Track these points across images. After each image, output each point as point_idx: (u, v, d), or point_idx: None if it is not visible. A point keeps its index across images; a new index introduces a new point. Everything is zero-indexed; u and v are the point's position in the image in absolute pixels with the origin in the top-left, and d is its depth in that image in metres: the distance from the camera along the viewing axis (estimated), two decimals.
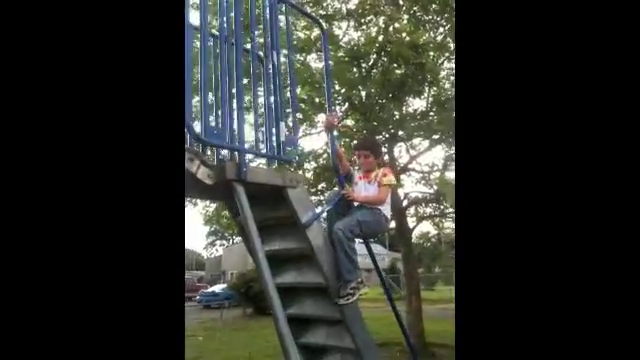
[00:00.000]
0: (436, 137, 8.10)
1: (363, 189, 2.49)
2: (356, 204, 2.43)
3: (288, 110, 2.36)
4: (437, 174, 8.30)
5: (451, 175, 6.70)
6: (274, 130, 2.00)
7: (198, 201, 8.28)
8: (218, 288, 20.34)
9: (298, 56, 6.31)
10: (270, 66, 2.04)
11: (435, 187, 8.08)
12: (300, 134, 7.07)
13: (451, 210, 9.38)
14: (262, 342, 7.61)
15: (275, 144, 2.00)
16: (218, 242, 39.33)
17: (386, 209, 2.48)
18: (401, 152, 9.45)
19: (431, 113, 6.82)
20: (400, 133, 8.62)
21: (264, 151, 2.06)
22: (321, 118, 6.99)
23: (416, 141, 9.20)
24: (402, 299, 9.00)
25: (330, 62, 6.29)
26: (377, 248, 38.69)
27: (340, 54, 6.20)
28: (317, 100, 6.51)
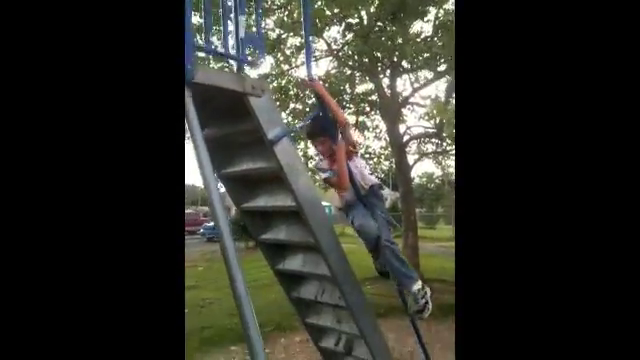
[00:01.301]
0: (441, 69, 7.63)
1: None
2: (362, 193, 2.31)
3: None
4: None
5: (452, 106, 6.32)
6: (232, 25, 1.69)
7: None
8: None
9: None
10: None
11: (437, 118, 7.73)
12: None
13: (452, 147, 9.10)
14: (258, 273, 7.75)
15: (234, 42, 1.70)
16: None
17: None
18: (405, 85, 9.02)
19: (436, 39, 6.30)
20: (404, 64, 8.14)
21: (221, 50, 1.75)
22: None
23: (421, 75, 8.75)
24: (401, 236, 9.01)
25: None
26: None
27: None
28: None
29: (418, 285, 2.28)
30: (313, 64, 8.79)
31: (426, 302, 2.30)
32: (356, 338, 2.50)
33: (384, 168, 12.57)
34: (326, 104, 2.16)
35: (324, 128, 2.25)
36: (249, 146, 2.06)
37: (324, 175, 2.27)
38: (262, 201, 2.24)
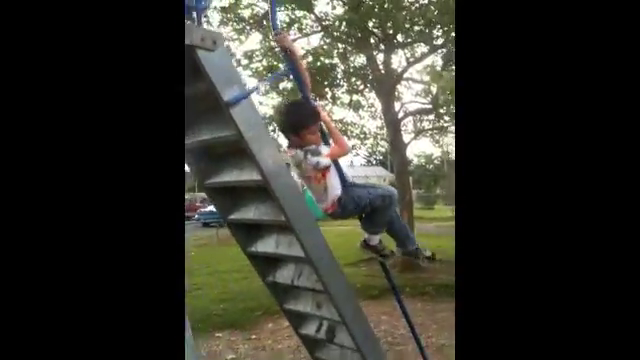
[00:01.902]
0: (438, 43, 7.30)
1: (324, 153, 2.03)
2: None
3: None
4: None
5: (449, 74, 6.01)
6: None
7: None
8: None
9: None
10: None
11: (433, 94, 7.44)
12: None
13: (450, 124, 8.83)
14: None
15: None
16: None
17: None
18: (401, 62, 8.69)
19: (431, 6, 5.94)
20: (399, 38, 7.80)
21: None
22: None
23: (417, 50, 8.41)
24: None
25: None
26: (377, 170, 38.82)
27: None
28: None
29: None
30: (304, 40, 8.45)
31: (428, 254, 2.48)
32: (338, 324, 2.29)
33: (382, 150, 12.31)
34: (293, 60, 1.91)
35: (306, 114, 2.00)
36: (207, 112, 1.80)
37: (325, 152, 2.02)
38: (227, 176, 2.00)
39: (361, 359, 2.27)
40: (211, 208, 21.19)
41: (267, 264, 2.33)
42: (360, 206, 2.20)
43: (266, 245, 2.20)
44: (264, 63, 7.70)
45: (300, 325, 2.54)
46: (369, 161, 46.44)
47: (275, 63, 7.81)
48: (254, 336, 4.45)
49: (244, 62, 7.64)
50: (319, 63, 8.02)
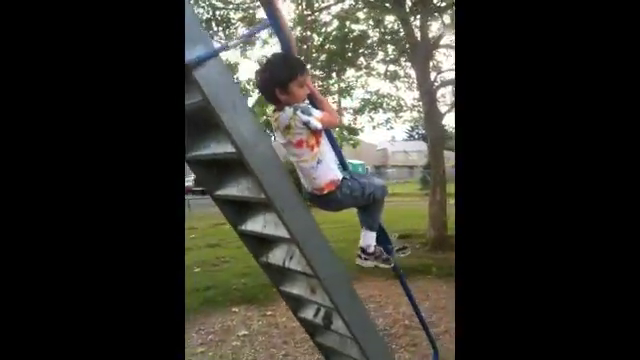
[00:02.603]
0: None
1: (315, 115, 1.74)
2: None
3: None
4: None
5: None
6: None
7: None
8: None
9: None
10: None
11: None
12: None
13: None
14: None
15: None
16: None
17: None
18: (440, 30, 8.10)
19: None
20: (435, 1, 7.25)
21: None
22: None
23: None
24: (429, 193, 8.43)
25: None
26: (418, 145, 37.33)
27: None
28: None
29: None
30: (337, 6, 8.03)
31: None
32: (334, 311, 2.11)
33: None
34: (273, 12, 1.66)
35: (292, 64, 1.73)
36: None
37: (316, 115, 1.72)
38: (205, 149, 1.81)
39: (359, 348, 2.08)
40: None
41: (259, 244, 2.17)
42: (365, 195, 1.99)
43: (255, 224, 2.03)
44: (296, 33, 7.41)
45: (298, 309, 2.39)
46: (411, 135, 45.20)
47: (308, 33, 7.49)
48: (270, 312, 4.38)
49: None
50: (350, 30, 7.64)
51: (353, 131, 10.85)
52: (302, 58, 1.93)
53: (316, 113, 1.74)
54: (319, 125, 1.74)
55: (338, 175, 1.89)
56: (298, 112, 1.71)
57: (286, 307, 4.40)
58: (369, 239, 2.14)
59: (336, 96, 10.58)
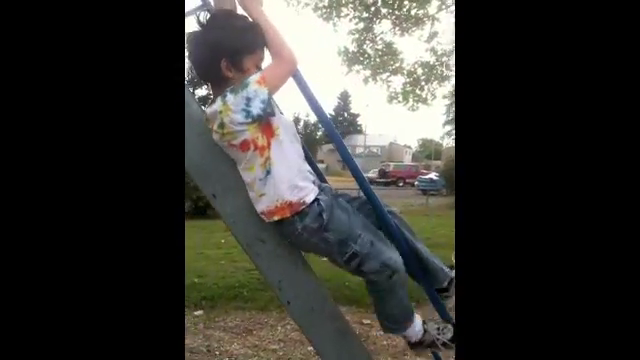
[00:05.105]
0: None
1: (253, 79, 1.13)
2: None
3: None
4: None
5: None
6: None
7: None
8: (435, 175, 20.30)
9: None
10: None
11: None
12: None
13: None
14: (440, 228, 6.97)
15: None
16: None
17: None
18: None
19: None
20: None
21: None
22: None
23: None
24: None
25: None
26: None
27: None
28: None
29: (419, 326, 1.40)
30: None
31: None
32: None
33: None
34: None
35: (252, 31, 1.18)
36: None
37: (255, 79, 1.13)
38: None
39: None
40: (431, 176, 20.83)
41: None
42: (342, 250, 1.23)
43: None
44: None
45: None
46: None
47: None
48: (367, 321, 3.88)
49: None
50: None
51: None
52: None
53: (255, 77, 1.12)
54: (263, 98, 1.11)
55: (302, 194, 1.20)
56: (227, 97, 1.12)
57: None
58: (410, 334, 1.39)
59: None
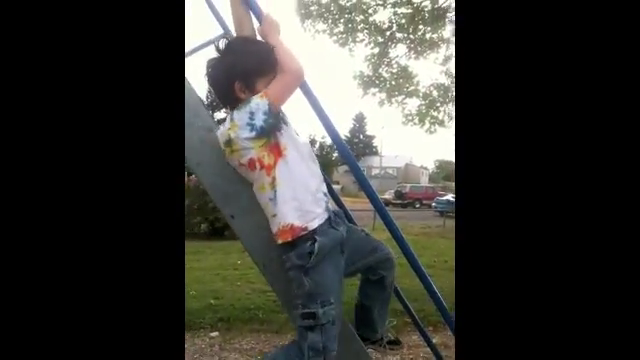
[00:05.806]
0: None
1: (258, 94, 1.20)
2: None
3: None
4: None
5: None
6: None
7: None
8: (452, 197, 20.09)
9: None
10: None
11: None
12: None
13: None
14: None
15: None
16: None
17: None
18: None
19: None
20: None
21: None
22: None
23: None
24: None
25: None
26: None
27: None
28: None
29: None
30: None
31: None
32: None
33: None
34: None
35: (266, 54, 1.23)
36: None
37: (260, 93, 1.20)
38: None
39: None
40: (448, 197, 20.61)
41: None
42: (307, 300, 1.20)
43: None
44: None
45: None
46: None
47: None
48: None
49: None
50: None
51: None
52: None
53: (259, 93, 1.17)
54: (262, 102, 1.14)
55: (307, 218, 1.18)
56: (234, 113, 1.18)
57: (414, 343, 3.74)
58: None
59: None
